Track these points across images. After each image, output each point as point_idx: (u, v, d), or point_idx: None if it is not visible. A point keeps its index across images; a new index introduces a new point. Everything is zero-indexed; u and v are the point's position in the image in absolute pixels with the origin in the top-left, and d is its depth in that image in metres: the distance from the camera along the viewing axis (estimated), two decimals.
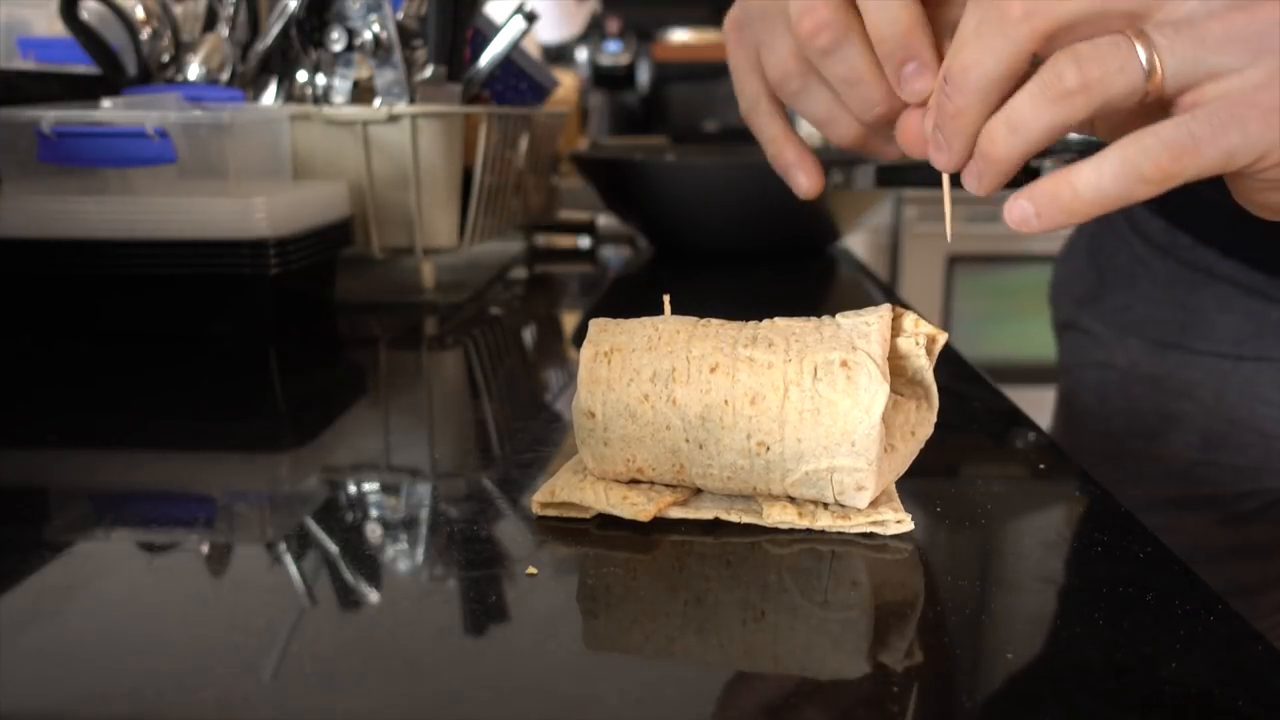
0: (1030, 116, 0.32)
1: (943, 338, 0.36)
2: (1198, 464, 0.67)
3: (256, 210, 0.60)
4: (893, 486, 0.36)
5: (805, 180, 0.48)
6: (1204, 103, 0.29)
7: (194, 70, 0.77)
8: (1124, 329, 0.71)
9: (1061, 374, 0.80)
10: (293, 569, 0.33)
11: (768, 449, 0.33)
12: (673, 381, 0.34)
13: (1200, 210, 0.66)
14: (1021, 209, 0.33)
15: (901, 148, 0.40)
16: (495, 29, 0.84)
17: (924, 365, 0.36)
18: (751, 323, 0.36)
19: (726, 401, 0.34)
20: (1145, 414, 0.70)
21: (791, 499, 0.35)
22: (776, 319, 0.36)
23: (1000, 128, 0.33)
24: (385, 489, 0.40)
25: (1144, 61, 0.29)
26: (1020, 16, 0.31)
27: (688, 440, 0.34)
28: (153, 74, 0.78)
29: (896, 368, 0.36)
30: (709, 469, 0.35)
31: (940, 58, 0.38)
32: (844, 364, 0.33)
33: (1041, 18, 0.31)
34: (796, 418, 0.33)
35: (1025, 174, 0.83)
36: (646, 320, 0.36)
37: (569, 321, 0.75)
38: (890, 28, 0.37)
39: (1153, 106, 0.31)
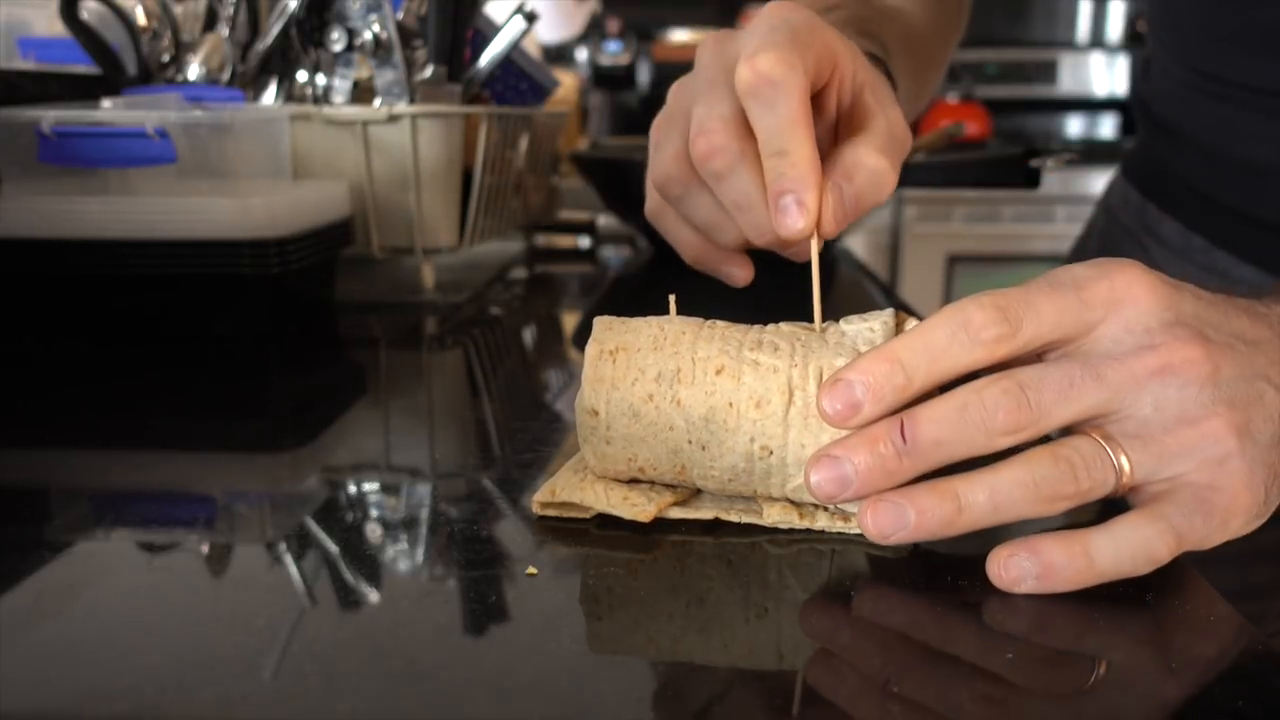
0: (1017, 503, 0.31)
1: None
2: None
3: (256, 210, 0.60)
4: None
5: (739, 272, 0.47)
6: (1168, 495, 0.31)
7: (194, 70, 0.77)
8: None
9: None
10: (293, 569, 0.33)
11: (770, 453, 0.33)
12: (677, 382, 0.34)
13: (1216, 214, 0.66)
14: (1020, 568, 0.30)
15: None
16: (495, 29, 0.84)
17: None
18: (756, 326, 0.36)
19: (731, 404, 0.33)
20: None
21: (792, 501, 0.35)
22: (781, 324, 0.36)
23: (982, 497, 0.31)
24: (385, 489, 0.40)
25: (1118, 471, 0.31)
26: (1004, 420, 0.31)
27: (690, 441, 0.34)
28: (153, 74, 0.78)
29: None
30: (710, 471, 0.35)
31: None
32: None
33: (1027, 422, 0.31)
34: (800, 423, 0.33)
35: (1025, 176, 0.82)
36: (652, 320, 0.36)
37: (569, 321, 0.75)
38: (776, 159, 0.37)
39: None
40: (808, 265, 0.39)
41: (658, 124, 0.47)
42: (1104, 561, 0.30)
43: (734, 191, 0.40)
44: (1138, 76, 0.76)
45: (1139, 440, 0.31)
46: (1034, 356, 0.33)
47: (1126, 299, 0.32)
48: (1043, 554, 0.30)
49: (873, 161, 0.39)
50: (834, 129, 0.43)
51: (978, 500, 0.31)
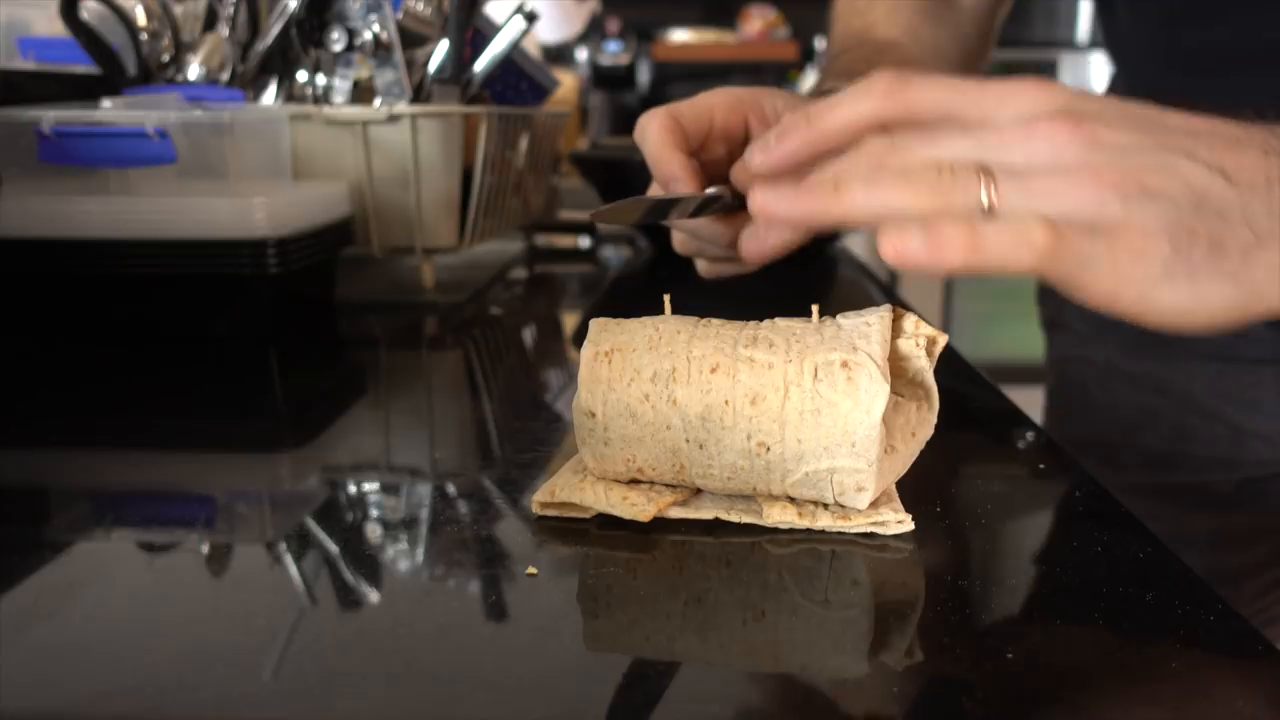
0: (892, 184, 0.33)
1: (943, 339, 0.36)
2: (1173, 454, 0.69)
3: (256, 210, 0.60)
4: (893, 487, 0.36)
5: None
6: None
7: (194, 70, 0.77)
8: (1103, 325, 0.73)
9: (1049, 370, 0.82)
10: (293, 569, 0.33)
11: (768, 449, 0.33)
12: (673, 381, 0.34)
13: None
14: (911, 238, 0.32)
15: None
16: (495, 29, 0.84)
17: (924, 367, 0.36)
18: (752, 323, 0.36)
19: (727, 402, 0.33)
20: (1123, 408, 0.72)
21: (791, 499, 0.35)
22: (777, 319, 0.36)
23: (854, 186, 0.33)
24: (385, 489, 0.40)
25: (985, 201, 0.32)
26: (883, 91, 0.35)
27: (688, 440, 0.34)
28: (153, 74, 0.78)
29: (897, 369, 0.36)
30: (709, 469, 0.35)
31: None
32: (844, 365, 0.33)
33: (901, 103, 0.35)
34: (797, 418, 0.33)
35: None
36: (647, 320, 0.36)
37: (569, 321, 0.75)
38: (648, 161, 0.49)
39: None
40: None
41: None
42: (989, 240, 0.31)
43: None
44: (1107, 91, 0.78)
45: (1008, 173, 0.32)
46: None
47: (1020, 94, 0.33)
48: (934, 227, 0.31)
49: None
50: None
51: (846, 186, 0.33)
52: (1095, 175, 0.31)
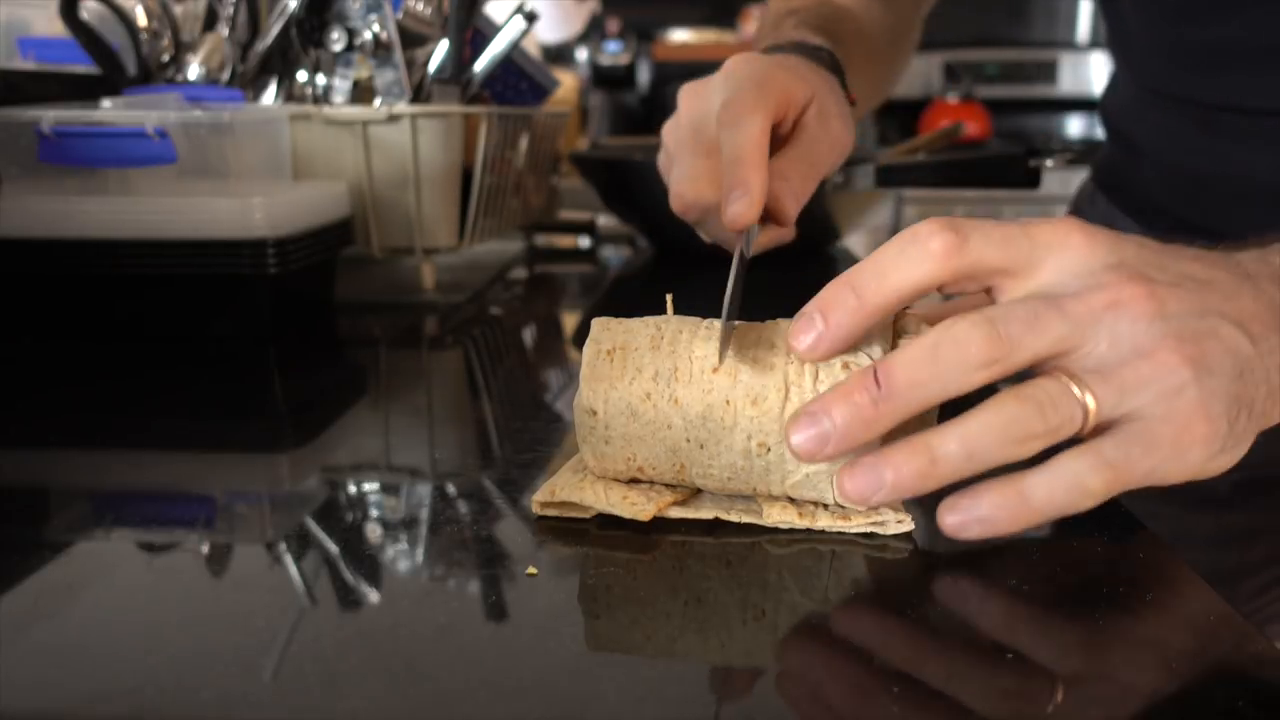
0: (990, 447, 0.30)
1: None
2: None
3: (256, 210, 0.60)
4: None
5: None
6: (1109, 430, 0.31)
7: (194, 70, 0.77)
8: None
9: None
10: (293, 569, 0.33)
11: (768, 450, 0.33)
12: (674, 381, 0.34)
13: (1170, 224, 0.67)
14: (964, 513, 0.31)
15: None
16: (495, 29, 0.84)
17: None
18: (754, 324, 0.36)
19: (728, 402, 0.33)
20: None
21: (791, 499, 0.35)
22: (779, 320, 0.36)
23: (954, 445, 0.30)
24: (385, 489, 0.40)
25: (1084, 407, 0.31)
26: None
27: (688, 440, 0.34)
28: (153, 74, 0.78)
29: None
30: (709, 469, 0.35)
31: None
32: (845, 365, 0.33)
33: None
34: None
35: (1025, 176, 0.82)
36: (649, 319, 0.36)
37: (569, 321, 0.75)
38: (731, 165, 0.46)
39: None
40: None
41: (668, 130, 0.55)
42: (1038, 499, 0.30)
43: (712, 231, 0.53)
44: (1105, 89, 0.78)
45: (1099, 375, 0.31)
46: (984, 298, 0.33)
47: (1069, 244, 0.32)
48: (982, 499, 0.31)
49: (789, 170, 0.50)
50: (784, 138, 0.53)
51: (950, 450, 0.31)
52: (1170, 353, 0.31)
